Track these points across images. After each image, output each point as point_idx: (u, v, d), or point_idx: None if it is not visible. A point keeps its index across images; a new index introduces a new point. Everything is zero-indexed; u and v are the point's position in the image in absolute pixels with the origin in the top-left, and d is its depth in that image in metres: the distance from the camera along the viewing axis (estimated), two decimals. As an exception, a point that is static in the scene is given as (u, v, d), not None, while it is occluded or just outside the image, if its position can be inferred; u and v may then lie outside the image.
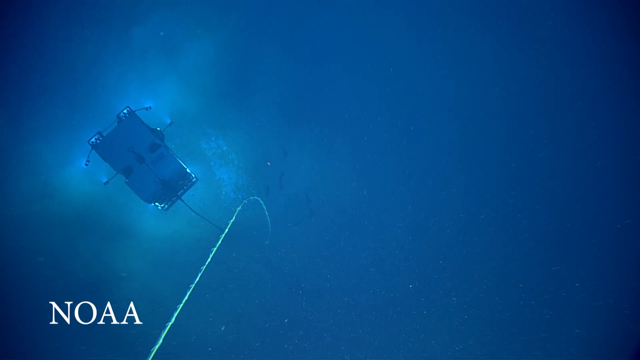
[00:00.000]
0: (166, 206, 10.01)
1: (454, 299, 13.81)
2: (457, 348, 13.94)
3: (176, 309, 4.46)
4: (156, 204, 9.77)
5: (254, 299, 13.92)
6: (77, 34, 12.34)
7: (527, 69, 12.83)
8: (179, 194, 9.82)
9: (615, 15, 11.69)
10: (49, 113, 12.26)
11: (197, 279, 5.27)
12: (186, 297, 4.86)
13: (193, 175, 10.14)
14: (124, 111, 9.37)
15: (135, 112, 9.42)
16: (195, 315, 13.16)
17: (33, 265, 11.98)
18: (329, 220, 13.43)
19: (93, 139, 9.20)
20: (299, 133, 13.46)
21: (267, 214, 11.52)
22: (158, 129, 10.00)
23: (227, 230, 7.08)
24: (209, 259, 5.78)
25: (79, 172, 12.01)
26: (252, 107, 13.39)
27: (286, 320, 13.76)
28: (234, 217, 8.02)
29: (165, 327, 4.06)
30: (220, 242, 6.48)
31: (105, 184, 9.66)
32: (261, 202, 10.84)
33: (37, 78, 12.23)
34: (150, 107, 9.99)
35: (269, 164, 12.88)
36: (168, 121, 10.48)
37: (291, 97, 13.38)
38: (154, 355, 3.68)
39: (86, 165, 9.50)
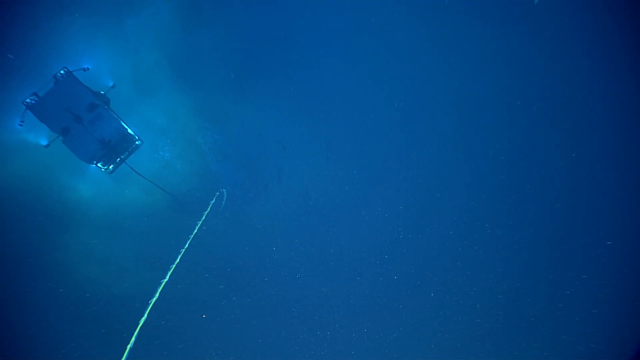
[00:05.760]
0: (110, 168, 9.82)
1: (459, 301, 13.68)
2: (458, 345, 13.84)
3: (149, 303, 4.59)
4: (98, 165, 9.59)
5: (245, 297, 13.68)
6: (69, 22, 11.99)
7: (524, 68, 12.57)
8: (122, 156, 9.72)
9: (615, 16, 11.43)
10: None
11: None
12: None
13: (137, 137, 9.94)
14: (61, 72, 9.02)
15: (73, 73, 9.08)
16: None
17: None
18: (327, 216, 13.18)
19: (28, 99, 8.88)
20: (298, 128, 13.19)
21: (223, 202, 12.26)
22: (102, 92, 9.70)
23: (200, 223, 7.78)
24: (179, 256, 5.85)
25: (15, 137, 10.75)
26: (250, 100, 13.07)
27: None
28: (208, 209, 8.26)
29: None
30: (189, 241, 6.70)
31: (45, 147, 9.48)
32: (224, 192, 11.98)
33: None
34: (88, 68, 9.76)
35: None
36: (110, 84, 10.20)
37: (291, 91, 13.12)
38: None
39: (20, 125, 9.24)
